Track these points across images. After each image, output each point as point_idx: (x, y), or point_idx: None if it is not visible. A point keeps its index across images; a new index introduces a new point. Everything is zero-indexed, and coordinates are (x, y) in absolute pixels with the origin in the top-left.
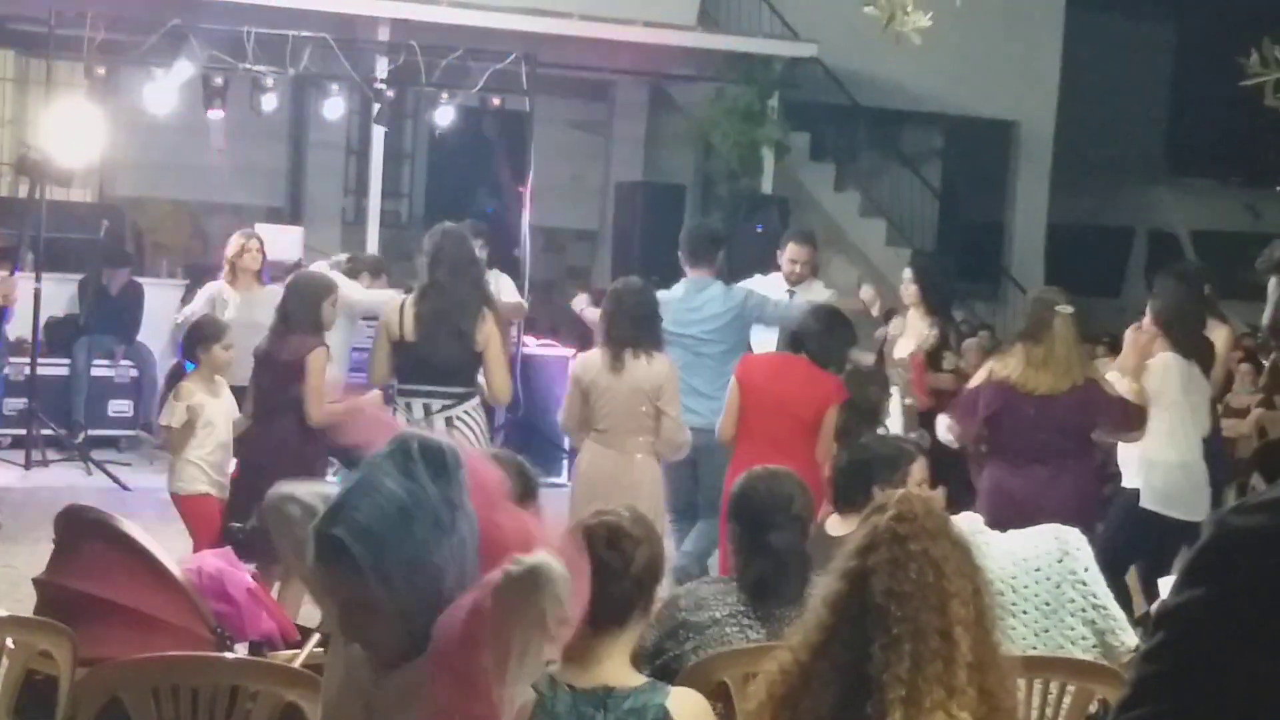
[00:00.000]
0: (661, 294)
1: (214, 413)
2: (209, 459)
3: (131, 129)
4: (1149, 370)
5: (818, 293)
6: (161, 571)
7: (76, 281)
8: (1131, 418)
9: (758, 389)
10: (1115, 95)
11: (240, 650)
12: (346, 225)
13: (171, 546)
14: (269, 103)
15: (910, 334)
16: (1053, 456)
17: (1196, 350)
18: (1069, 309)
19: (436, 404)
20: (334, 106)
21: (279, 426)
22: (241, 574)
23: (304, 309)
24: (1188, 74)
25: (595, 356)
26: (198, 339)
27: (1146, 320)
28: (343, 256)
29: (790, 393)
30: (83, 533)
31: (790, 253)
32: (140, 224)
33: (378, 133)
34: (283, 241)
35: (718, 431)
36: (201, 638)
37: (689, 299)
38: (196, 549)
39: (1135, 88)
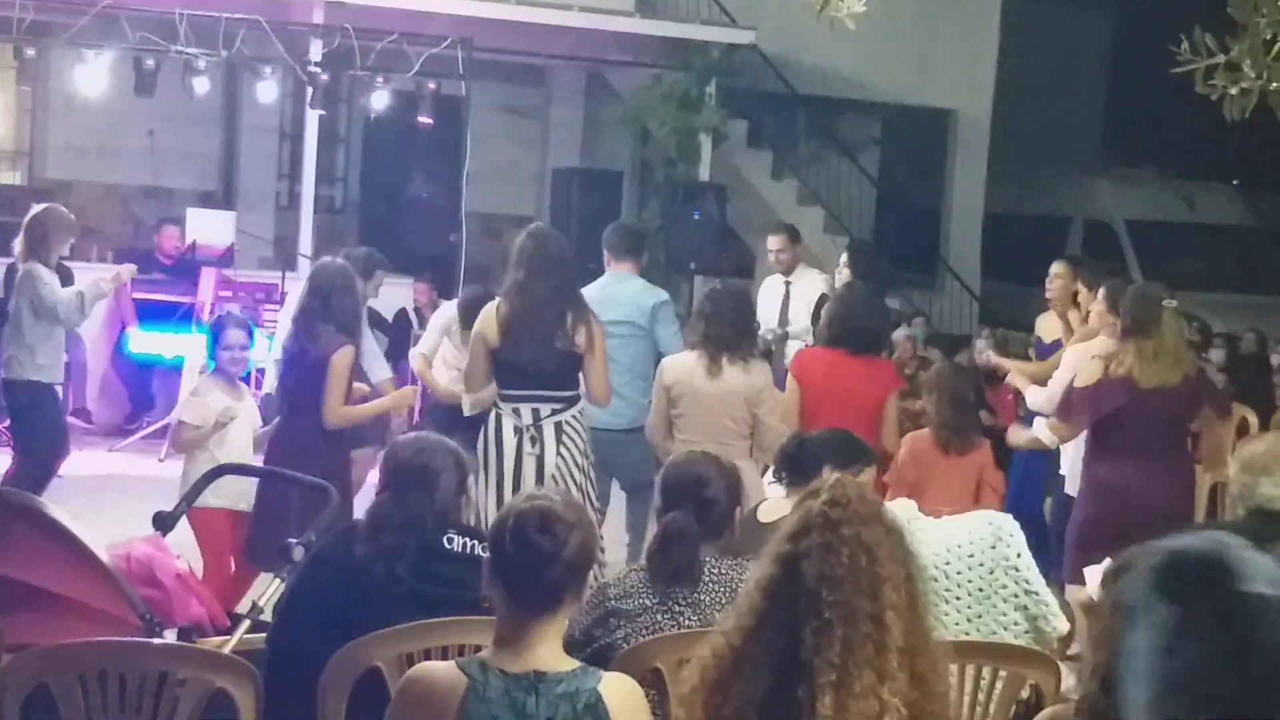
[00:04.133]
0: (587, 290)
1: (238, 419)
2: None
3: (62, 111)
4: None
5: (812, 280)
6: (89, 557)
7: (4, 266)
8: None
9: (817, 386)
10: (1052, 85)
11: (169, 636)
12: (280, 210)
13: (98, 533)
14: (201, 86)
15: None
16: (1161, 450)
17: None
18: (1174, 302)
19: (545, 409)
20: (267, 90)
21: (304, 427)
22: (170, 559)
23: (323, 303)
24: (1125, 64)
25: (688, 359)
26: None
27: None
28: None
29: (850, 386)
30: (10, 518)
31: (768, 243)
32: (70, 207)
33: (312, 117)
34: (215, 226)
35: None
36: (130, 623)
37: (609, 290)
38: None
39: (1072, 77)
